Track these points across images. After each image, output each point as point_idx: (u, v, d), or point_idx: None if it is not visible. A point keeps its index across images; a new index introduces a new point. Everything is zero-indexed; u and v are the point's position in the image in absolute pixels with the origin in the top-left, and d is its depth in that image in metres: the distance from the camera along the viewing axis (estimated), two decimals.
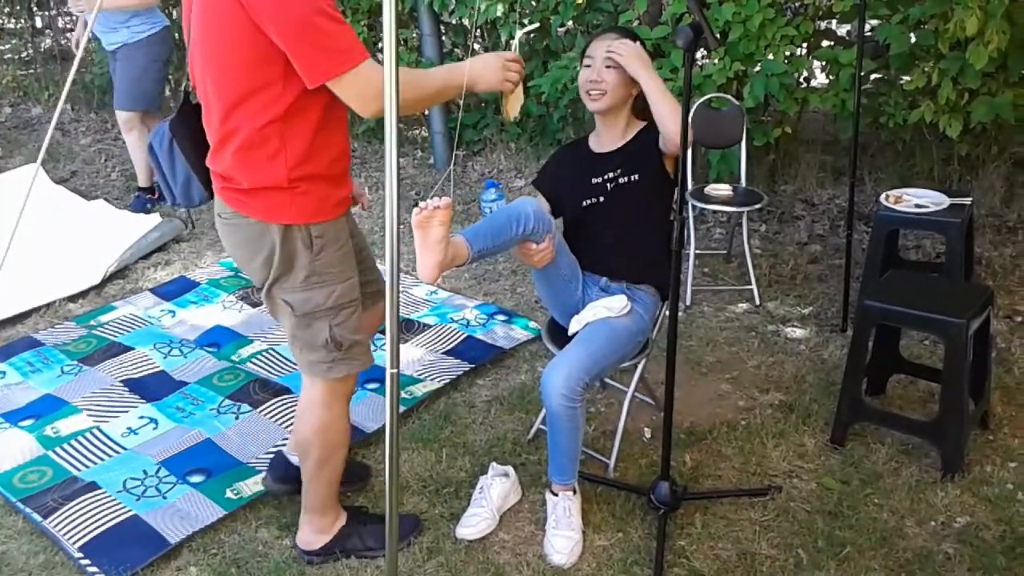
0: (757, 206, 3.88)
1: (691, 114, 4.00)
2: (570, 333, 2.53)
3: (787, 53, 4.25)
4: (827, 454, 2.85)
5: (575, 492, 2.54)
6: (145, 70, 4.89)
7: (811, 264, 4.25)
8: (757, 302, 3.89)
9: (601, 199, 2.59)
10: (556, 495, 2.52)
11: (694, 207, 3.96)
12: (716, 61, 4.37)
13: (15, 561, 2.49)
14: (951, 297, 2.79)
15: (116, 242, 4.49)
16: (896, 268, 3.52)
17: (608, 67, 2.48)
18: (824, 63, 4.47)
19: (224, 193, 2.16)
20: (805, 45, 4.53)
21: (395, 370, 1.55)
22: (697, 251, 4.35)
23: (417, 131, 6.00)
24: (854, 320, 2.84)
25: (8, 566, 2.47)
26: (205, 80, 2.06)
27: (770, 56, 4.27)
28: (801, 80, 4.63)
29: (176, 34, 5.35)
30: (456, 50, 5.68)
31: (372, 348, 2.41)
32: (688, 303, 3.88)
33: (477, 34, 5.52)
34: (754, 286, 3.92)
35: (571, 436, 2.42)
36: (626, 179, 2.57)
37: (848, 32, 4.86)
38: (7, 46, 8.77)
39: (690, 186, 4.16)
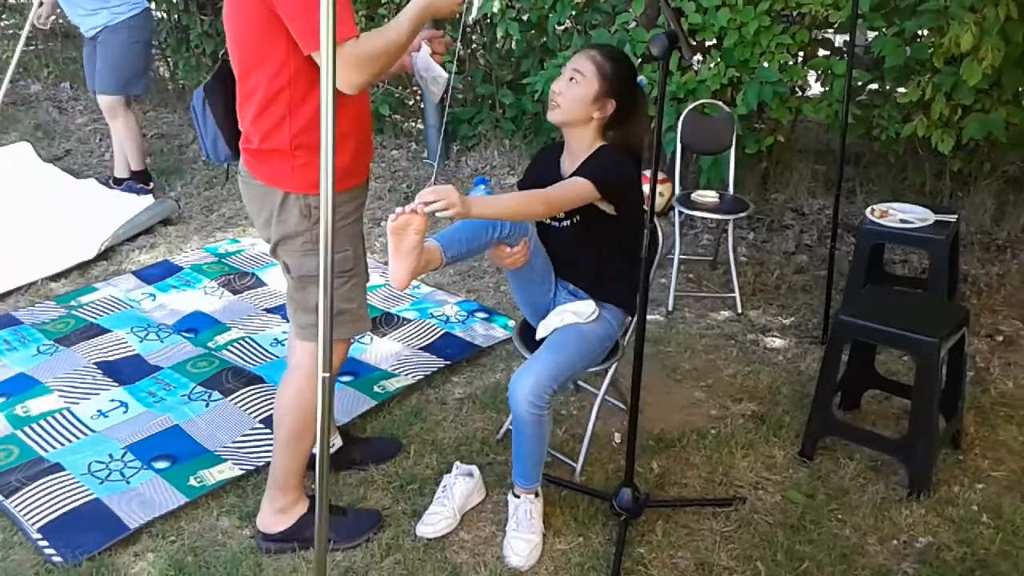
0: (743, 214, 3.86)
1: (680, 119, 4.02)
2: (537, 338, 2.52)
3: (782, 61, 4.23)
4: (795, 467, 2.84)
5: (538, 496, 2.53)
6: (127, 52, 4.76)
7: (796, 274, 4.23)
8: (739, 310, 3.87)
9: (555, 224, 2.54)
10: (518, 497, 2.51)
11: (680, 213, 3.94)
12: (711, 67, 4.35)
13: None
14: (926, 315, 2.78)
15: (109, 218, 4.49)
16: (878, 283, 3.51)
17: (571, 79, 2.38)
18: (819, 72, 4.45)
19: (243, 153, 2.29)
20: (801, 54, 4.50)
21: (326, 374, 1.54)
22: (683, 256, 4.34)
23: (413, 123, 5.98)
24: (829, 334, 2.83)
25: None
26: (228, 45, 2.20)
27: (765, 64, 4.25)
28: (796, 89, 4.61)
29: (161, 14, 5.26)
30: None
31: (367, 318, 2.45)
32: (670, 308, 3.87)
33: (471, 29, 5.50)
34: (737, 294, 3.90)
35: (536, 442, 2.41)
36: (568, 222, 2.50)
37: (844, 42, 4.82)
38: (8, 22, 8.76)
39: (677, 191, 4.15)
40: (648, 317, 3.74)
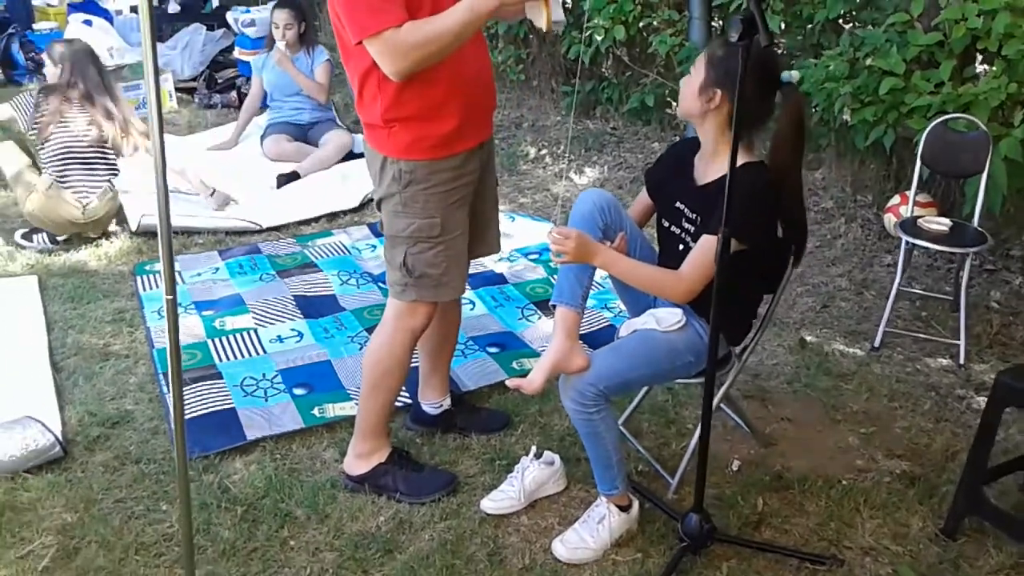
0: (975, 249, 3.31)
1: (924, 135, 3.53)
2: (620, 336, 2.40)
3: None
4: (928, 543, 2.42)
5: (624, 509, 2.39)
6: None
7: None
8: (961, 361, 3.34)
9: (675, 231, 2.36)
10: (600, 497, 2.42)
11: (907, 243, 3.46)
12: (993, 79, 3.75)
13: (135, 420, 2.93)
14: None
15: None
16: None
17: (689, 74, 2.21)
18: None
19: None
20: None
21: (171, 296, 1.65)
22: (920, 292, 3.83)
23: None
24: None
25: (128, 423, 2.92)
26: None
27: None
28: None
29: None
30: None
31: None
32: (876, 344, 3.44)
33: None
34: (962, 342, 3.36)
35: (591, 443, 2.30)
36: (685, 231, 2.30)
37: None
38: None
39: (909, 213, 3.65)
40: (847, 350, 3.43)
